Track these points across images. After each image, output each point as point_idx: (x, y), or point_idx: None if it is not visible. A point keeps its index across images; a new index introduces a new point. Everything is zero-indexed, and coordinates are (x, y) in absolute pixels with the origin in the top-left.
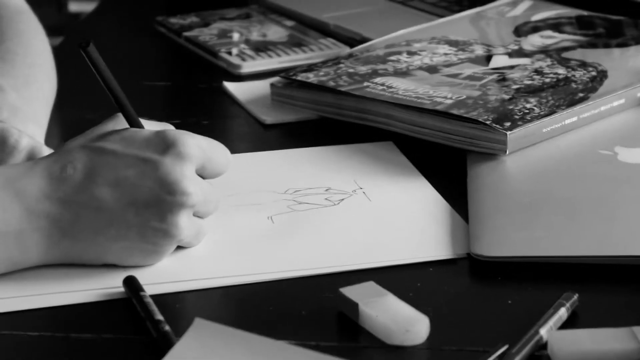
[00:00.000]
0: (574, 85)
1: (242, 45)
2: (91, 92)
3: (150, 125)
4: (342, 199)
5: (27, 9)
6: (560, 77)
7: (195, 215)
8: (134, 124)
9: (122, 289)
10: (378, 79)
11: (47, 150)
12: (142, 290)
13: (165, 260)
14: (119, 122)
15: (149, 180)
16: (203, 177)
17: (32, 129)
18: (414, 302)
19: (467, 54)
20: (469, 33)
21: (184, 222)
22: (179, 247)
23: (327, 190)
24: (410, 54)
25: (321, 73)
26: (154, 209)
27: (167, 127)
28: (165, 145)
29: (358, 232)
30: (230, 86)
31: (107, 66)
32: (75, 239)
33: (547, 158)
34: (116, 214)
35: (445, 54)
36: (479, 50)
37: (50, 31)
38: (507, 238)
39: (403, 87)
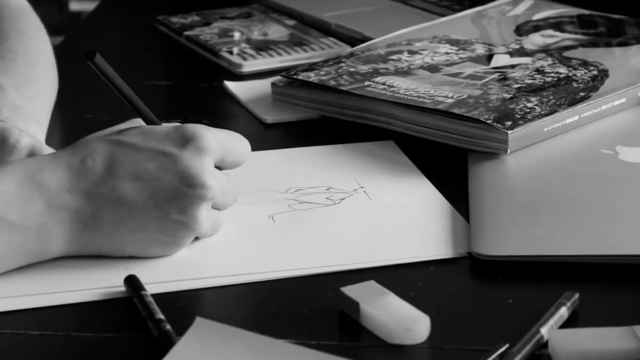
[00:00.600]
0: (575, 84)
1: (243, 45)
2: (92, 91)
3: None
4: (343, 198)
5: (28, 8)
6: (562, 76)
7: (214, 207)
8: (152, 124)
9: (123, 288)
10: (379, 78)
11: (48, 150)
12: (143, 289)
13: (165, 260)
14: (135, 125)
15: (169, 174)
16: (222, 169)
17: (32, 128)
18: (414, 301)
19: (468, 53)
20: (470, 32)
21: (203, 215)
22: (197, 239)
23: (328, 189)
24: (412, 53)
25: (322, 72)
26: (174, 202)
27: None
28: (184, 139)
29: (359, 231)
30: (231, 85)
31: (110, 65)
32: (95, 231)
33: (548, 157)
34: (136, 206)
35: (447, 53)
36: (480, 50)
37: (52, 30)
38: (508, 237)
39: (404, 87)
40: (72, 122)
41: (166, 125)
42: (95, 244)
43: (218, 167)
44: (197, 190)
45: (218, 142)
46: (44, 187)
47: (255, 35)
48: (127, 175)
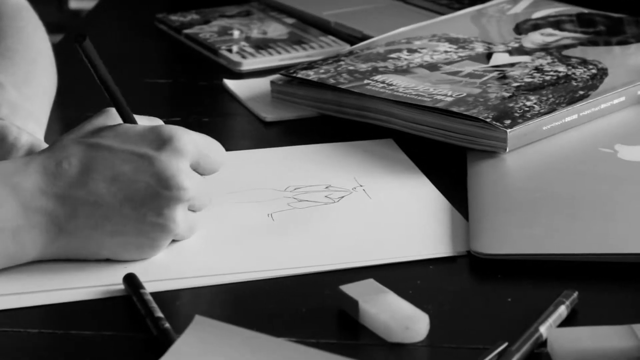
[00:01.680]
0: (574, 82)
1: (243, 43)
2: (91, 90)
3: (140, 120)
4: (342, 197)
5: (27, 6)
6: (561, 74)
7: (190, 209)
8: (127, 119)
9: (122, 286)
10: (378, 77)
11: None
12: (142, 287)
13: (165, 257)
14: (110, 117)
15: (146, 176)
16: (198, 173)
17: (31, 126)
18: (413, 299)
19: (467, 51)
20: (469, 31)
21: (180, 217)
22: (174, 241)
23: (327, 187)
24: (411, 51)
25: (321, 71)
26: (151, 204)
27: (157, 121)
28: (161, 140)
29: (358, 229)
30: (230, 84)
31: (105, 62)
32: (72, 235)
33: (547, 156)
34: (113, 209)
35: (446, 52)
36: (480, 48)
37: (51, 28)
38: (507, 236)
39: (403, 85)
40: (71, 120)
41: (142, 126)
42: (72, 247)
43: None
44: (173, 191)
45: (195, 144)
46: (19, 190)
47: (255, 33)
48: (103, 178)
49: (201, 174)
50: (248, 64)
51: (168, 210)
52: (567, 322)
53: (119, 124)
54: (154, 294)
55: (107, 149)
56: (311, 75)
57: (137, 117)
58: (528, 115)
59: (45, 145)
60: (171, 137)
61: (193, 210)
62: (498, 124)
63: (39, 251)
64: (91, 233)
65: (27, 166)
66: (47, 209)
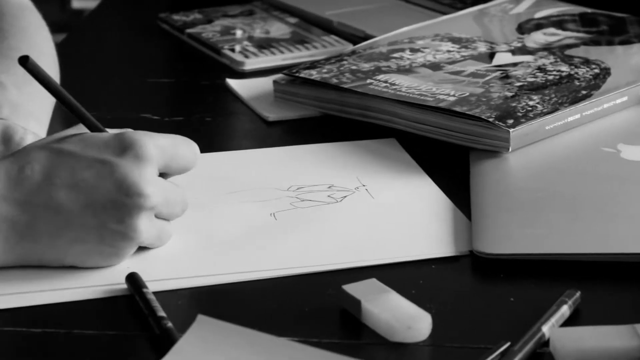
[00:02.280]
0: (577, 82)
1: (245, 42)
2: (94, 89)
3: (111, 132)
4: (345, 196)
5: (30, 5)
6: (563, 74)
7: (159, 216)
8: (94, 130)
9: (124, 286)
10: (381, 76)
11: None
12: (145, 286)
13: (167, 257)
14: (81, 128)
15: (107, 182)
16: (169, 176)
17: (33, 126)
18: (416, 299)
19: (470, 51)
20: (472, 30)
21: (143, 225)
22: (146, 248)
23: (329, 187)
24: (413, 51)
25: (324, 70)
26: (112, 211)
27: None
28: (123, 147)
29: (360, 229)
30: (233, 83)
31: (107, 62)
32: (33, 241)
33: (549, 155)
34: (74, 216)
35: (448, 51)
36: (482, 48)
37: (54, 28)
38: (509, 235)
39: (406, 85)
40: (73, 119)
41: (107, 133)
42: (34, 254)
43: (163, 175)
44: (134, 199)
45: (159, 148)
46: None
47: (258, 33)
48: (64, 184)
49: (174, 174)
50: (251, 64)
51: (129, 219)
52: (569, 322)
53: (85, 132)
54: (156, 293)
55: (69, 154)
56: (314, 74)
57: (108, 130)
58: (531, 114)
59: None
60: (133, 143)
61: (165, 218)
62: (501, 123)
63: (0, 257)
64: (52, 240)
65: None
66: (8, 215)
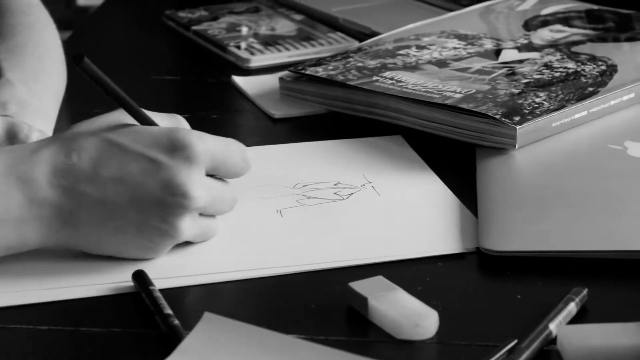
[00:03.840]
0: (583, 79)
1: (251, 39)
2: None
3: (161, 119)
4: (351, 194)
5: (37, 2)
6: (570, 71)
7: (206, 214)
8: (145, 124)
9: (131, 283)
10: (387, 73)
11: None
12: (152, 284)
13: (174, 254)
14: (125, 113)
15: (153, 180)
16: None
17: (40, 123)
18: (423, 296)
19: (476, 48)
20: (478, 27)
21: (186, 224)
22: (189, 242)
23: (336, 184)
24: (420, 48)
25: (330, 67)
26: (156, 209)
27: (176, 119)
28: (173, 147)
29: (367, 226)
30: (239, 80)
31: (113, 59)
32: (74, 229)
33: (556, 152)
34: (117, 208)
35: (455, 48)
36: (488, 45)
37: (59, 25)
38: (516, 233)
39: (412, 81)
40: (80, 116)
41: (159, 129)
42: (73, 241)
43: (212, 175)
44: (179, 199)
45: (209, 153)
46: (25, 180)
47: (263, 30)
48: (111, 177)
49: (223, 178)
50: (256, 61)
51: (172, 218)
52: (576, 320)
53: (137, 125)
54: (163, 291)
55: (118, 146)
56: (320, 71)
57: (158, 115)
58: (537, 111)
59: None
60: (184, 146)
61: (211, 215)
62: (507, 120)
63: (39, 243)
64: (94, 229)
65: (36, 155)
66: (52, 201)
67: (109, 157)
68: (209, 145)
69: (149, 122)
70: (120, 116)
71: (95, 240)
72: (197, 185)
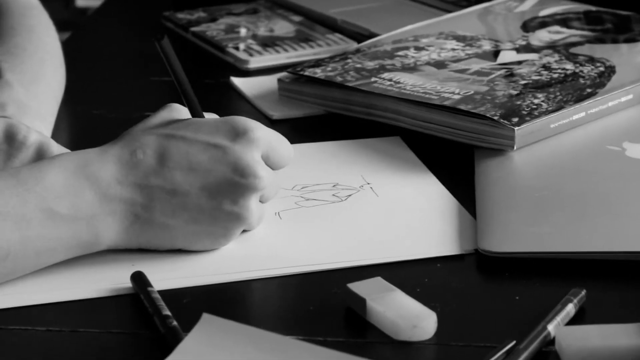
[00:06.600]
0: (581, 80)
1: (250, 41)
2: (99, 87)
3: (207, 117)
4: (350, 195)
5: (37, 4)
6: (568, 72)
7: (261, 200)
8: (197, 116)
9: (129, 285)
10: (385, 75)
11: (56, 146)
12: (150, 285)
13: (174, 256)
14: (174, 110)
15: (222, 165)
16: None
17: (38, 125)
18: (421, 297)
19: (474, 49)
20: (476, 28)
21: (254, 205)
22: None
23: (334, 186)
24: (418, 49)
25: (329, 68)
26: (227, 192)
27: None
28: (235, 132)
29: (365, 227)
30: (237, 81)
31: (111, 60)
32: (147, 223)
33: (554, 154)
34: (190, 197)
35: (453, 50)
36: (487, 46)
37: (58, 26)
38: (514, 234)
39: (411, 83)
40: (79, 117)
41: (214, 119)
42: (146, 235)
43: None
44: (250, 179)
45: (266, 139)
46: (95, 179)
47: (262, 31)
48: (180, 167)
49: (269, 167)
50: (255, 62)
51: (243, 199)
52: (575, 321)
53: (189, 118)
54: (161, 292)
55: (180, 139)
56: (318, 73)
57: (210, 115)
58: (536, 113)
59: (54, 144)
60: (246, 129)
61: (262, 201)
62: (506, 121)
63: (112, 240)
64: (167, 221)
65: (101, 156)
66: (124, 197)
67: (174, 150)
68: (265, 132)
69: (199, 114)
70: (170, 113)
71: (167, 233)
72: (261, 165)
